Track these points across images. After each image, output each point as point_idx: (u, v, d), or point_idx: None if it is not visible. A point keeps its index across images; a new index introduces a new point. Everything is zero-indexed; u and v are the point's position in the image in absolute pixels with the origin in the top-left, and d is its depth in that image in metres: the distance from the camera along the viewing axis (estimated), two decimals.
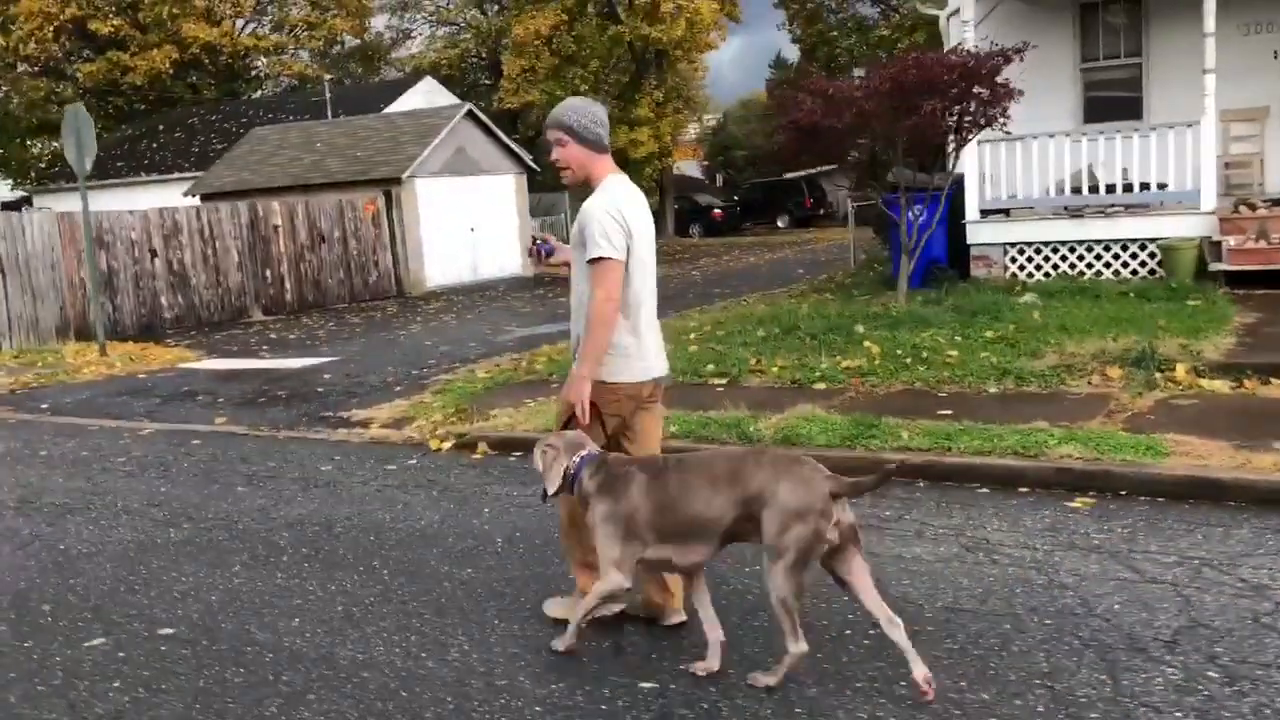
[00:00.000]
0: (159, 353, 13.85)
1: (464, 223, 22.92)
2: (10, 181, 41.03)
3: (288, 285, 19.68)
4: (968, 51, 10.70)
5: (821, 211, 38.69)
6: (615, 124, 32.90)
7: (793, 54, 47.36)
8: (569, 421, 3.88)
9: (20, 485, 7.17)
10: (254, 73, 43.11)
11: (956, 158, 11.43)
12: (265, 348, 14.25)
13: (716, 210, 37.61)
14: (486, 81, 45.52)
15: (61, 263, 16.05)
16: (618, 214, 3.81)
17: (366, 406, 9.19)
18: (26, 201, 35.52)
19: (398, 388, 10.03)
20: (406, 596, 4.58)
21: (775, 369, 8.51)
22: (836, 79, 38.54)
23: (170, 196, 26.26)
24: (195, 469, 7.39)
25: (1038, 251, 11.80)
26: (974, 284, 11.50)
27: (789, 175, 42.95)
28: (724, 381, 8.43)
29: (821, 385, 7.96)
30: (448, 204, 22.47)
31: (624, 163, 32.80)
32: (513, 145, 24.49)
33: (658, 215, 36.33)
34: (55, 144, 37.70)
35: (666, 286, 18.97)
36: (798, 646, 3.40)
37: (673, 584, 4.02)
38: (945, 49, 13.51)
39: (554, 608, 4.21)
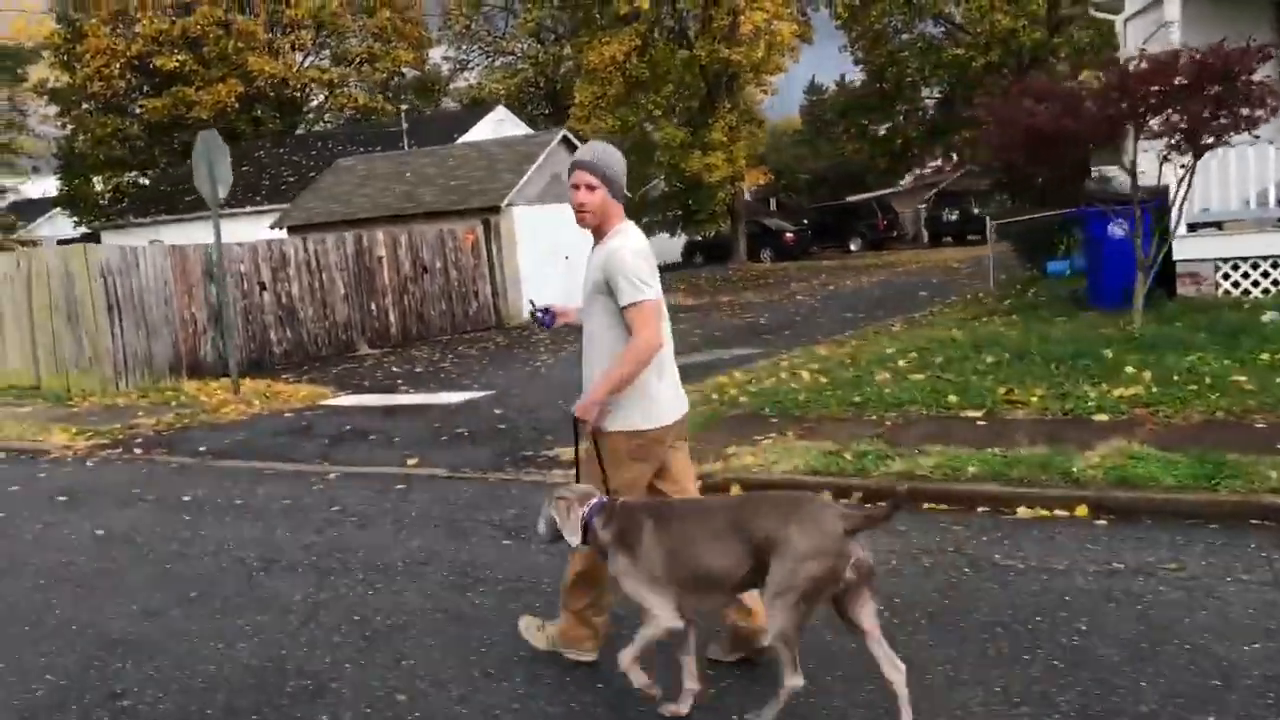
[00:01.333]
0: (288, 389, 13.23)
1: (558, 251, 22.29)
2: (75, 219, 40.98)
3: (392, 317, 19.10)
4: (1214, 50, 9.79)
5: (895, 234, 37.91)
6: (687, 149, 32.41)
7: (831, 78, 46.80)
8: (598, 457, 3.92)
9: (250, 542, 6.50)
10: (310, 106, 42.97)
11: (1162, 167, 10.63)
12: (399, 382, 13.63)
13: (788, 234, 36.90)
14: (544, 111, 45.26)
15: (174, 297, 15.51)
16: (646, 254, 3.90)
17: (556, 445, 8.50)
18: (93, 238, 35.32)
19: None
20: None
21: (1034, 399, 7.75)
22: (909, 99, 37.92)
23: (239, 231, 25.88)
24: (429, 518, 6.71)
25: (1255, 266, 11.00)
26: (1184, 302, 10.70)
27: (856, 197, 42.35)
28: (979, 414, 7.67)
29: (1103, 417, 7.19)
30: (543, 232, 21.85)
31: (697, 186, 32.29)
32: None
33: (729, 240, 35.72)
34: (120, 179, 37.65)
35: (785, 314, 18.63)
36: (795, 680, 3.29)
37: (749, 601, 3.86)
38: (1120, 53, 12.76)
39: (526, 627, 4.30)
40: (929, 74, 36.72)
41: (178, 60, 36.86)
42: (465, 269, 20.58)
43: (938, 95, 39.45)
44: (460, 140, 30.74)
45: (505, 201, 20.85)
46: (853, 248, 37.41)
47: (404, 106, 33.86)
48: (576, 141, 23.08)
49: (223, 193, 12.67)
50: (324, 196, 24.48)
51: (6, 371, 15.76)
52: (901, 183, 44.45)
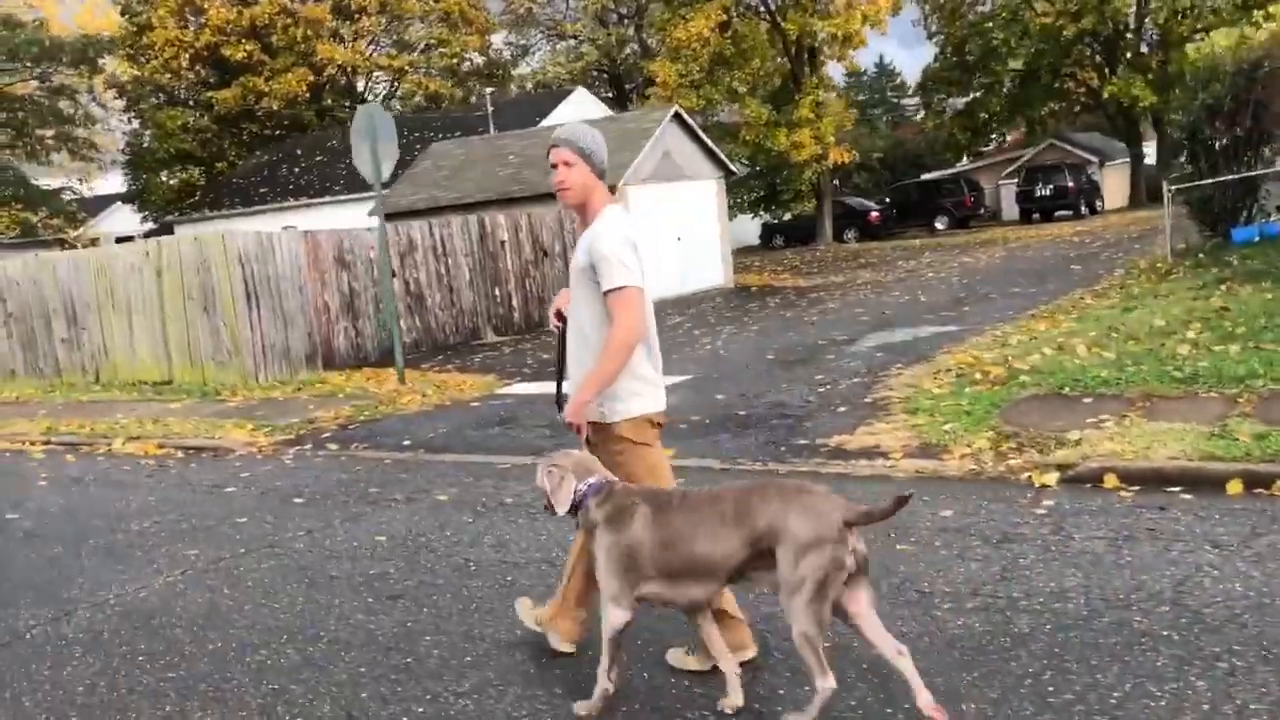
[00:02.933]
0: (454, 379, 12.46)
1: (671, 231, 21.49)
2: (143, 213, 40.56)
3: (515, 303, 18.33)
4: None
5: (981, 211, 36.76)
6: (772, 126, 31.42)
7: (906, 57, 45.46)
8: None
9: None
10: (377, 94, 42.31)
11: None
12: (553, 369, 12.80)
13: (873, 213, 35.85)
14: (608, 95, 44.39)
15: (308, 285, 14.78)
16: (630, 241, 3.73)
17: (830, 432, 7.66)
18: (165, 230, 34.77)
19: (841, 408, 8.48)
20: None
21: None
22: (993, 70, 36.64)
23: (319, 222, 25.23)
24: None
25: None
26: None
27: (939, 173, 41.19)
28: None
29: None
30: (656, 212, 21.07)
31: (784, 165, 31.28)
32: (715, 148, 23.02)
33: (811, 221, 34.72)
34: (189, 173, 37.10)
35: (940, 291, 17.44)
36: (826, 682, 3.25)
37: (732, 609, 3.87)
38: None
39: (522, 608, 4.31)
40: (1015, 45, 35.47)
41: (245, 50, 36.27)
42: None
43: (1020, 67, 38.18)
44: (543, 123, 29.98)
45: (622, 180, 20.00)
46: (939, 226, 36.28)
47: (489, 90, 33.06)
48: (688, 119, 22.22)
49: (386, 171, 11.88)
50: (422, 182, 23.74)
51: (136, 365, 15.11)
52: (970, 159, 43.24)
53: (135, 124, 38.16)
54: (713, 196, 22.90)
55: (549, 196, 20.40)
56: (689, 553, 3.41)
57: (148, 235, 37.40)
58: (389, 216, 22.73)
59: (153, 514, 7.32)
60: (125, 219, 42.46)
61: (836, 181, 46.67)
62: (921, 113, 41.43)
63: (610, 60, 44.15)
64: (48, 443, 11.19)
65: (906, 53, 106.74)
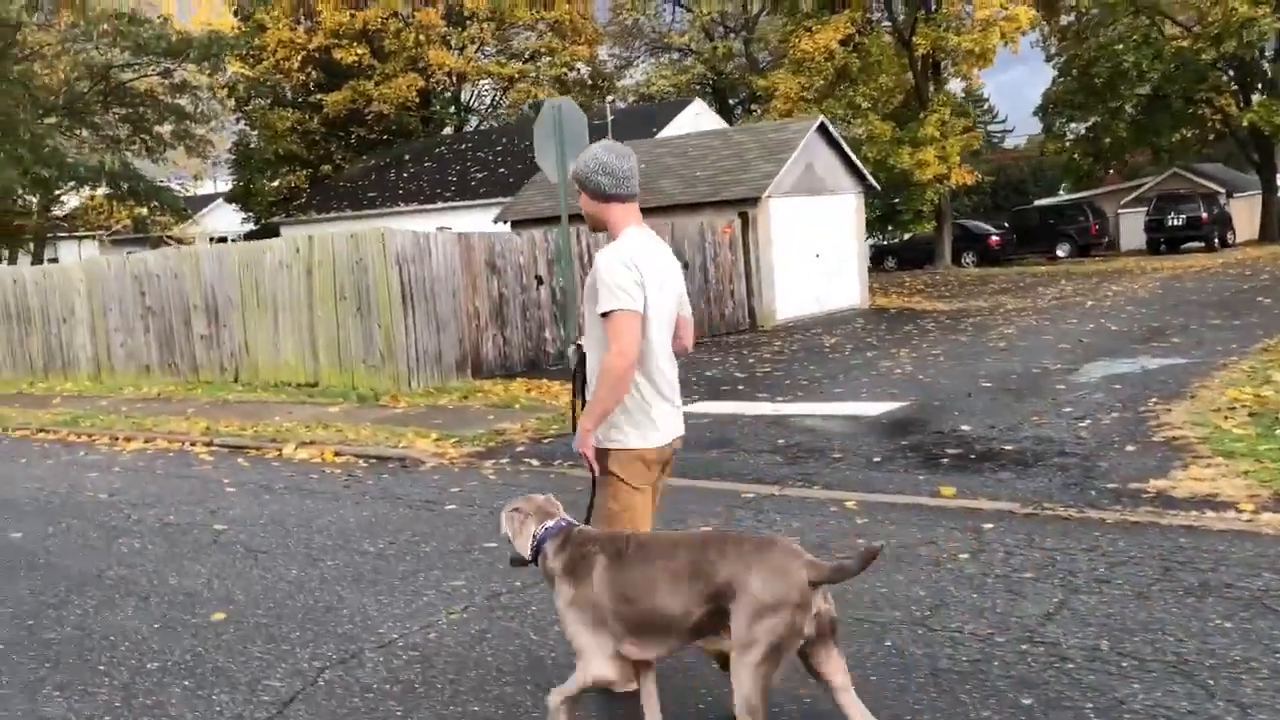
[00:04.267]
0: None
1: (810, 248, 20.59)
2: (244, 214, 40.61)
3: None
4: None
5: (1105, 240, 35.30)
6: (896, 144, 30.39)
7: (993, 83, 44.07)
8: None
9: (880, 591, 4.81)
10: (484, 102, 42.06)
11: None
12: (737, 388, 11.97)
13: (993, 238, 34.60)
14: (714, 108, 43.65)
15: (461, 289, 14.11)
16: (630, 264, 3.58)
17: (1137, 475, 6.69)
18: (267, 232, 34.61)
19: (1128, 446, 7.51)
20: None
21: None
22: (1121, 94, 35.24)
23: (427, 228, 24.65)
24: (1096, 578, 4.92)
25: None
26: None
27: (1060, 198, 39.80)
28: None
29: None
30: (796, 227, 20.20)
31: (905, 184, 30.20)
32: (857, 161, 22.10)
33: (933, 243, 33.55)
34: (295, 175, 36.98)
35: (1128, 319, 16.17)
36: None
37: None
38: None
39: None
40: (1146, 68, 34.05)
41: (356, 54, 36.13)
42: (723, 266, 18.95)
43: (1145, 92, 36.70)
44: (661, 134, 29.30)
45: (765, 193, 19.16)
46: (1060, 253, 34.90)
47: (610, 99, 32.47)
48: (833, 130, 21.33)
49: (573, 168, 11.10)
50: (549, 190, 23.09)
51: (279, 366, 14.56)
52: (1088, 187, 41.68)
53: (243, 124, 38.15)
54: (852, 212, 21.98)
55: (687, 207, 19.71)
56: (647, 607, 3.21)
57: (248, 236, 37.36)
58: (515, 224, 22.19)
59: (379, 532, 6.58)
60: (224, 219, 42.58)
61: (974, 198, 45.50)
62: (1024, 139, 39.96)
63: (716, 73, 43.43)
64: (209, 444, 10.60)
65: (992, 79, 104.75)
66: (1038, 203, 40.26)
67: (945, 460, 7.62)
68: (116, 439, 11.40)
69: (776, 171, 19.48)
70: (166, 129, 28.26)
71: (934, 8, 29.16)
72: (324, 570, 5.79)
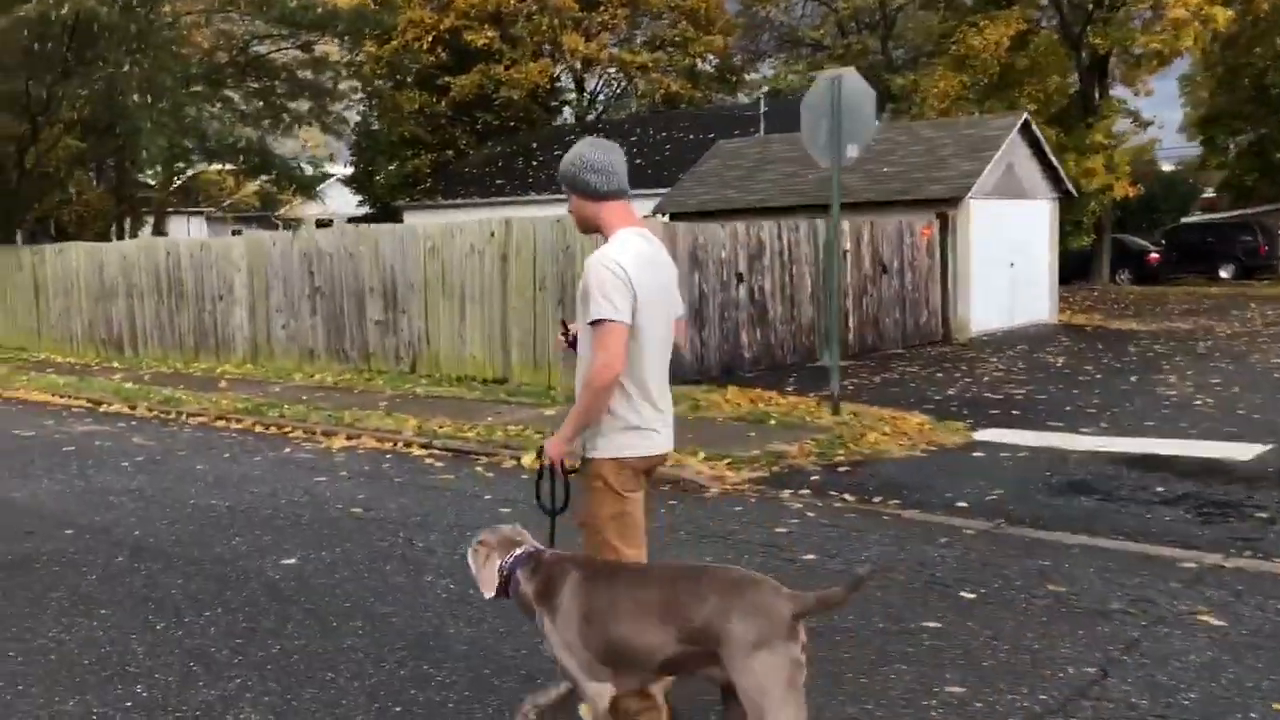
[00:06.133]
0: (889, 415, 10.13)
1: (1004, 255, 18.91)
2: (362, 199, 39.88)
3: (851, 323, 16.02)
4: None
5: (1276, 261, 32.89)
6: (1060, 150, 28.40)
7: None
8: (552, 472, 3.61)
9: None
10: (611, 92, 40.87)
11: None
12: (1015, 412, 10.43)
13: (1152, 254, 32.42)
14: None
15: None
16: (620, 270, 3.42)
17: None
18: (389, 216, 33.69)
19: None
20: None
21: None
22: None
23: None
24: None
25: None
26: None
27: (1216, 216, 37.45)
28: None
29: None
30: (993, 233, 18.53)
31: (1072, 194, 28.22)
32: (1058, 165, 20.37)
33: (1090, 258, 31.52)
34: (418, 159, 36.09)
35: None
36: None
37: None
38: None
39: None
40: None
41: (487, 37, 35.09)
42: (920, 271, 17.38)
43: None
44: None
45: (969, 194, 17.55)
46: (1223, 274, 32.57)
47: (763, 90, 31.03)
48: (1035, 129, 19.63)
49: (853, 152, 9.66)
50: (711, 182, 21.74)
51: (463, 358, 13.37)
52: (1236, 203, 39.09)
53: (366, 105, 37.29)
54: (1047, 219, 20.26)
55: (877, 205, 18.18)
56: (615, 635, 3.06)
57: (362, 220, 36.47)
58: (674, 217, 20.83)
59: None
60: (335, 201, 41.85)
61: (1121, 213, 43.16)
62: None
63: (858, 70, 41.67)
64: (427, 446, 9.37)
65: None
66: (1196, 219, 37.82)
67: None
68: (313, 433, 10.25)
69: (979, 170, 17.85)
70: (303, 105, 27.37)
71: (1114, 6, 27.15)
72: None
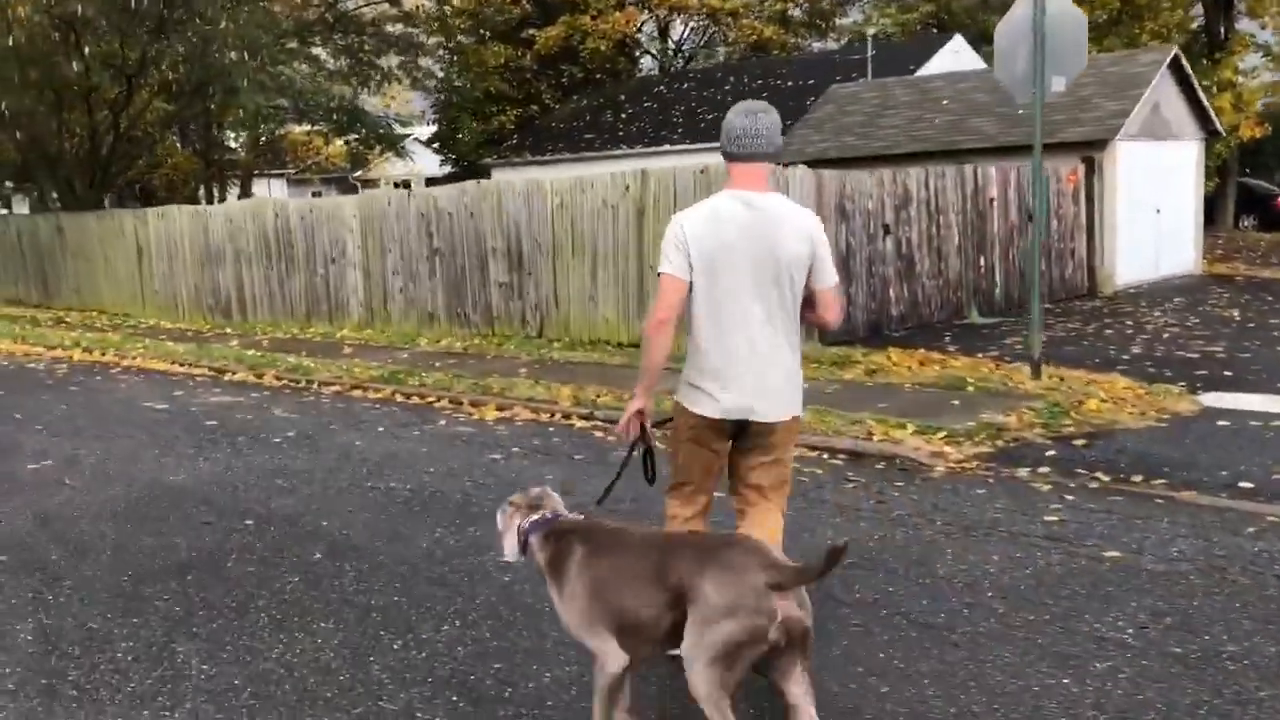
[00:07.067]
0: (1090, 379, 9.20)
1: (1150, 201, 17.65)
2: (445, 156, 39.24)
3: (998, 276, 14.99)
4: None
5: None
6: None
7: None
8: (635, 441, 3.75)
9: None
10: (697, 40, 39.64)
11: None
12: (1226, 373, 9.42)
13: (1279, 199, 30.63)
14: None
15: None
16: (678, 229, 3.64)
17: None
18: (476, 175, 33.00)
19: None
20: None
21: None
22: None
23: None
24: None
25: None
26: None
27: None
28: None
29: None
30: (1140, 177, 17.28)
31: (1220, 133, 26.62)
32: (1206, 103, 18.97)
33: (1216, 201, 29.82)
34: (504, 115, 35.31)
35: None
36: None
37: None
38: None
39: None
40: None
41: None
42: (1066, 219, 16.23)
43: None
44: (921, 71, 26.46)
45: (1116, 137, 16.32)
46: None
47: (870, 33, 29.66)
48: (1185, 65, 18.24)
49: (1058, 86, 8.66)
50: (828, 129, 20.69)
51: (595, 322, 12.64)
52: None
53: (449, 60, 36.46)
54: (1193, 162, 18.90)
55: (1014, 150, 17.01)
56: (617, 607, 3.06)
57: (446, 180, 35.82)
58: (786, 166, 19.81)
59: (1005, 586, 4.39)
60: (421, 162, 41.26)
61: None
62: None
63: (946, 12, 39.96)
64: (588, 417, 8.66)
65: None
66: None
67: None
68: (460, 403, 9.59)
69: (1128, 110, 16.58)
70: (393, 61, 26.67)
71: None
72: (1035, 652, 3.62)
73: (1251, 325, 12.46)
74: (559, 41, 34.43)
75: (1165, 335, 11.97)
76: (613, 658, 3.08)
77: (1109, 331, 12.53)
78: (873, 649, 3.93)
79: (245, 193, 33.81)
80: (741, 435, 3.70)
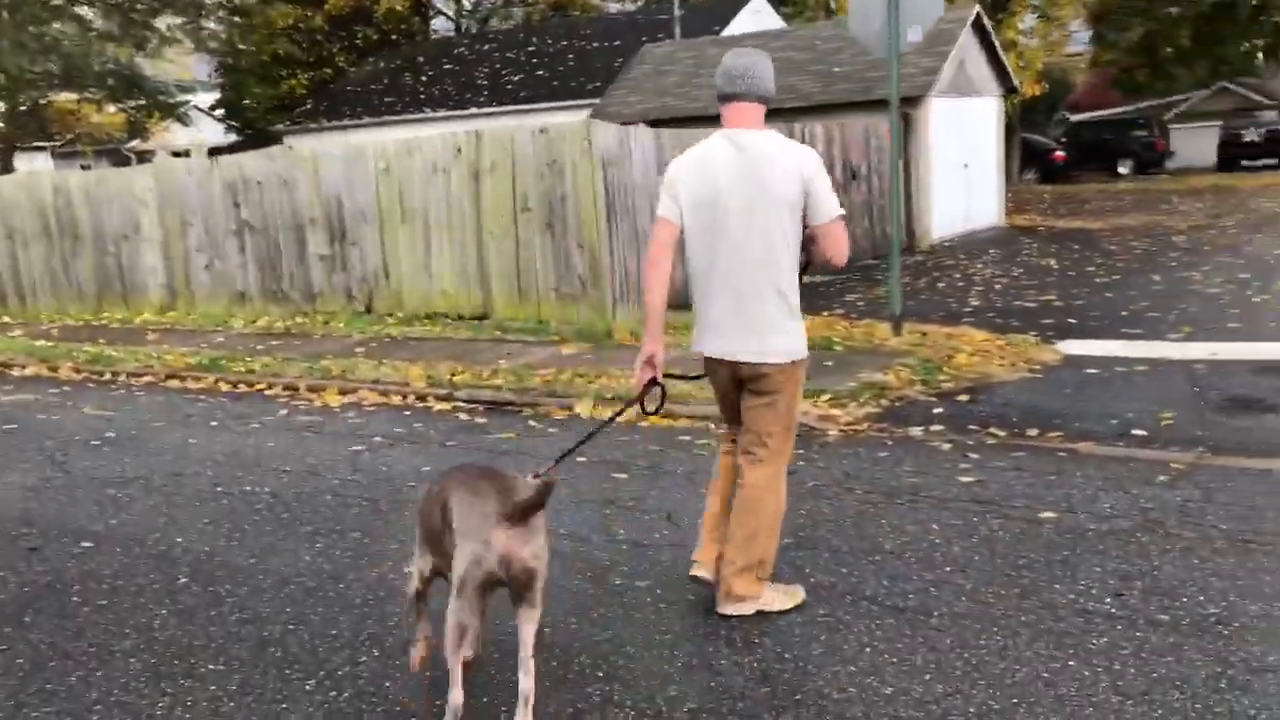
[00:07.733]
0: (950, 333, 9.26)
1: (958, 157, 18.25)
2: (231, 123, 36.85)
3: None
4: None
5: (1171, 155, 33.32)
6: None
7: None
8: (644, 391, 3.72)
9: None
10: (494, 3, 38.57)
11: None
12: (1072, 320, 9.68)
13: (1056, 153, 32.46)
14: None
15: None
16: (669, 171, 3.74)
17: None
18: (266, 142, 31.08)
19: None
20: None
21: None
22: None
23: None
24: None
25: None
26: None
27: (1112, 112, 37.81)
28: None
29: None
30: (950, 133, 17.83)
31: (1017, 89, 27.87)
32: (1004, 59, 19.67)
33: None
34: (294, 79, 33.45)
35: None
36: (451, 698, 2.89)
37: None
38: None
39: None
40: None
41: None
42: (887, 177, 16.52)
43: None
44: (725, 32, 26.54)
45: (932, 91, 16.71)
46: (1122, 170, 32.87)
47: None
48: (986, 22, 18.83)
49: (912, 37, 8.54)
50: (647, 90, 20.39)
51: (432, 294, 11.92)
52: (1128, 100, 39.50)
53: (230, 22, 34.11)
54: (994, 117, 19.63)
55: (833, 108, 17.17)
56: (426, 528, 3.24)
57: (232, 149, 33.68)
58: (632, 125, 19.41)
59: (958, 559, 4.20)
60: (203, 130, 38.59)
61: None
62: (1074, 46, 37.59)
63: None
64: (448, 398, 8.04)
65: None
66: (1092, 115, 38.01)
67: None
68: (297, 389, 8.77)
69: (938, 67, 17.01)
70: (173, 20, 24.61)
71: None
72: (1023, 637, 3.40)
73: (1072, 274, 12.95)
74: (351, 2, 32.78)
75: (997, 287, 12.29)
76: (416, 573, 3.33)
77: (941, 285, 12.78)
78: (855, 643, 3.60)
79: (6, 168, 30.70)
80: (743, 377, 3.74)
